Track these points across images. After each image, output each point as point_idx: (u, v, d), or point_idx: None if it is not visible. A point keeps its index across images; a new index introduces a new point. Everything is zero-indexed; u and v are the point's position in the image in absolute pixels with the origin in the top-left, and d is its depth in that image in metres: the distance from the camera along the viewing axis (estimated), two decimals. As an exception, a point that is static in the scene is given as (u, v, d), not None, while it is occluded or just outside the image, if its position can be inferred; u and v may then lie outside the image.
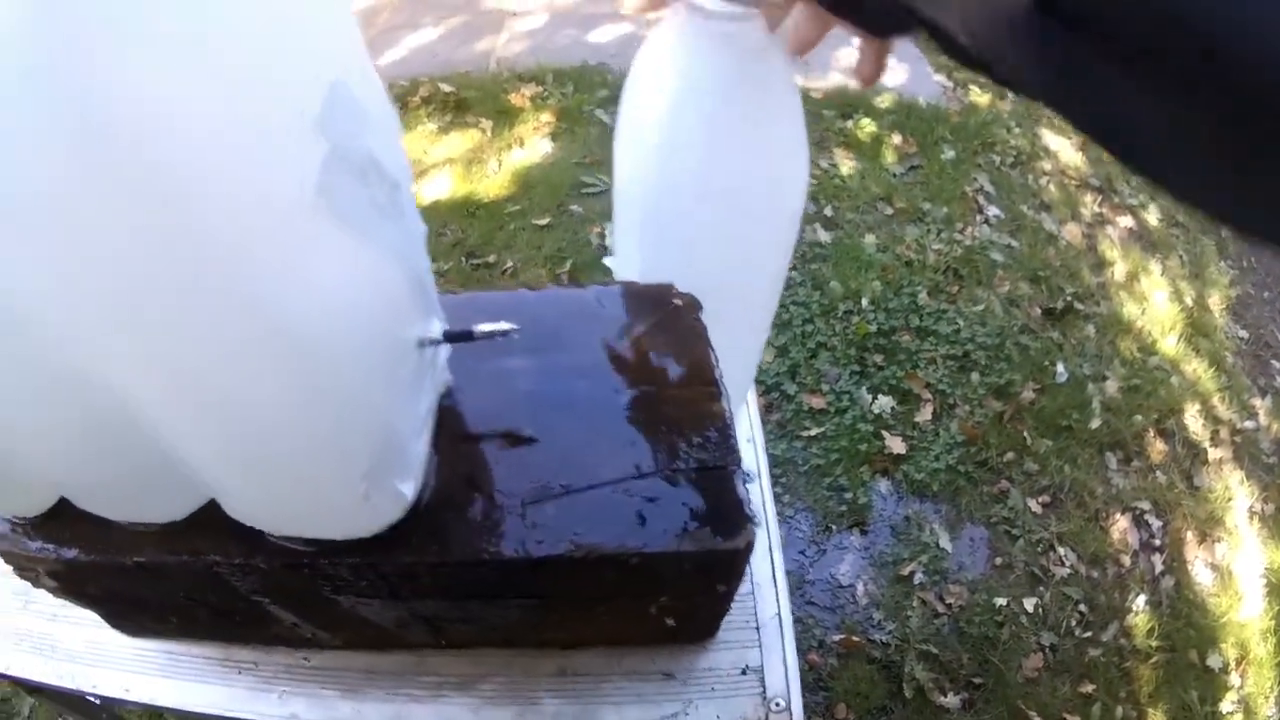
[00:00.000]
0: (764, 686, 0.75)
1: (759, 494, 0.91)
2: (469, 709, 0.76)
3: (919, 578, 1.56)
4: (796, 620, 1.46)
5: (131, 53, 0.28)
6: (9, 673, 1.00)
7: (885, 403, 1.81)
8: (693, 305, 0.63)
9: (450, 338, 0.56)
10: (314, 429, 0.43)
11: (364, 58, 0.43)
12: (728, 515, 0.54)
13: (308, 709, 0.84)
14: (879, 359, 1.90)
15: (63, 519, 0.66)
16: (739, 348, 0.81)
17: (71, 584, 0.76)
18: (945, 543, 1.61)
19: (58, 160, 0.29)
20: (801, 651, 1.43)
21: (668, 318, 0.61)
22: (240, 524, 0.56)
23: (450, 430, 0.61)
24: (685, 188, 0.64)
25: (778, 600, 0.80)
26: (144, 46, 0.29)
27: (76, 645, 0.98)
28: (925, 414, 1.81)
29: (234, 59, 0.32)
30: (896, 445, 1.74)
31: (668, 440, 0.56)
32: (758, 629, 0.78)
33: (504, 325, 0.55)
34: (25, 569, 0.76)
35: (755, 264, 0.71)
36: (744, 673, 0.75)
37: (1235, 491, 1.75)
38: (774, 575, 0.83)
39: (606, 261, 0.82)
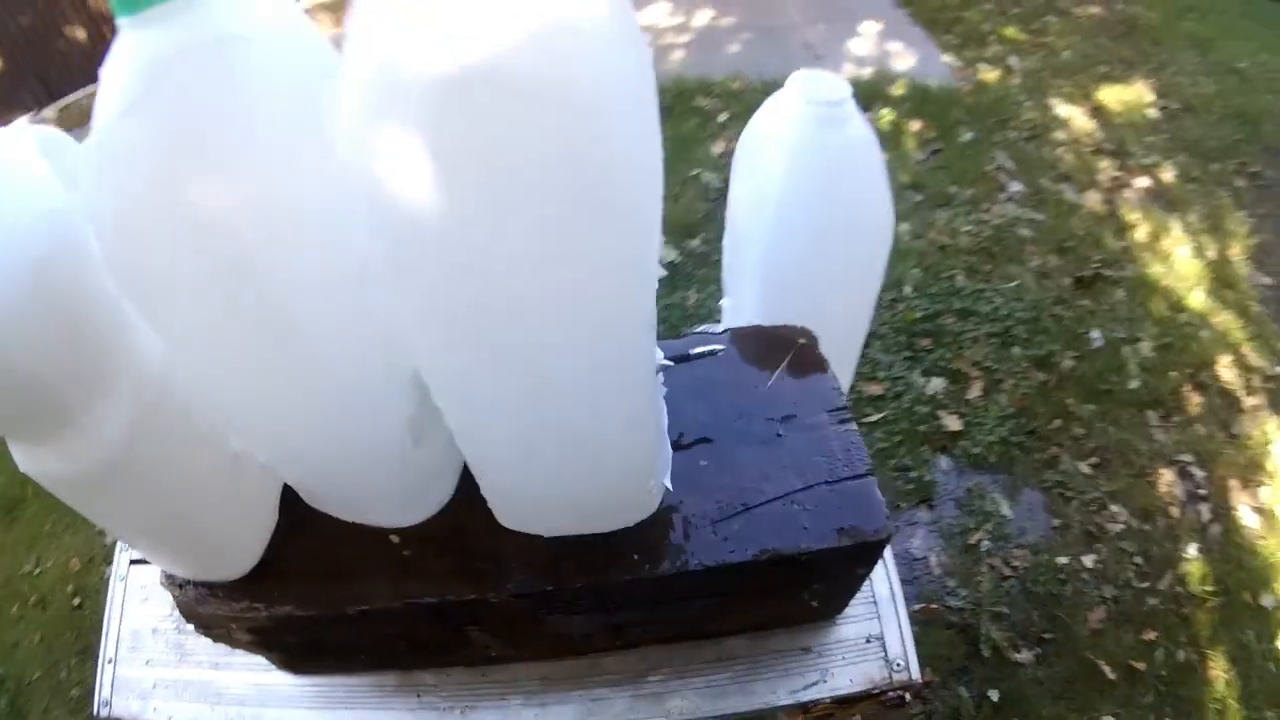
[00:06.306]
0: (885, 652, 0.86)
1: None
2: (647, 700, 0.86)
3: (985, 545, 1.67)
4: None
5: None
6: (175, 723, 0.98)
7: (938, 384, 1.92)
8: (813, 340, 0.75)
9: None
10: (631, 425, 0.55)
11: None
12: (872, 513, 0.66)
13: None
14: (927, 343, 2.00)
15: (267, 580, 0.72)
16: (843, 360, 0.93)
17: (267, 637, 0.80)
18: (1006, 510, 1.72)
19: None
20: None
21: (798, 354, 0.73)
22: (468, 564, 0.67)
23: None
24: (802, 233, 0.76)
25: (889, 578, 0.91)
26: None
27: (243, 689, 0.99)
28: (975, 391, 1.91)
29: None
30: (952, 423, 1.85)
31: (814, 458, 0.68)
32: (875, 603, 0.89)
33: (715, 347, 0.69)
34: (216, 628, 0.81)
35: (856, 294, 0.83)
36: (868, 641, 0.87)
37: (1272, 436, 1.84)
38: (884, 557, 0.94)
39: (722, 304, 0.94)
